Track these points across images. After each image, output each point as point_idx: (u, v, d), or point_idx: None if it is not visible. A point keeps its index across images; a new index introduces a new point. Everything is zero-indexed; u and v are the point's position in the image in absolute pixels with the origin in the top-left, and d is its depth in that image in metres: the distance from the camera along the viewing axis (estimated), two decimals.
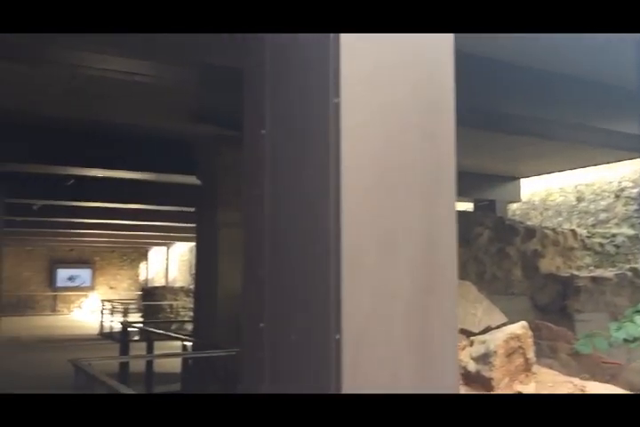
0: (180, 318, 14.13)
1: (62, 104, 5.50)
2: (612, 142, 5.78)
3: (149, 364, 6.01)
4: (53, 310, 23.56)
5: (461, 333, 2.95)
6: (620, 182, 8.77)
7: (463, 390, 2.49)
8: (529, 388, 2.56)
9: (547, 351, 4.19)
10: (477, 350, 2.61)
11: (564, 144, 6.75)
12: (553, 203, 9.69)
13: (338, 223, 1.02)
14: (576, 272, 6.91)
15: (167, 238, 19.89)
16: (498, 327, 3.15)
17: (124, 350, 6.75)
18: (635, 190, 8.55)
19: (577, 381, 2.71)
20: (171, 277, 22.83)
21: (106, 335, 14.28)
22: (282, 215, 1.21)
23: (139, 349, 7.44)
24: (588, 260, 7.72)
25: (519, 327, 2.69)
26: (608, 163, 8.44)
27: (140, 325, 8.28)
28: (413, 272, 1.07)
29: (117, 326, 13.99)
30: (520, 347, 2.61)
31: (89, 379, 3.46)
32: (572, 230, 7.73)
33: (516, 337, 2.62)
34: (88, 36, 2.75)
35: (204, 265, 6.30)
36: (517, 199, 9.66)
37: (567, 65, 4.56)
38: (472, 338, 2.79)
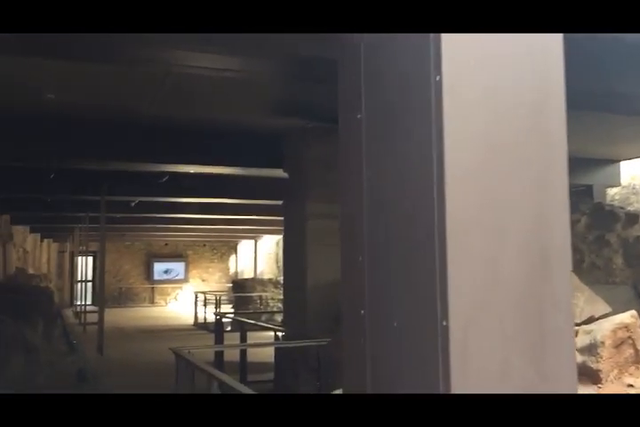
0: (269, 309, 14.46)
1: (157, 103, 5.72)
2: None
3: (243, 353, 6.18)
4: (151, 302, 24.75)
5: None
6: None
7: None
8: None
9: None
10: (582, 340, 2.48)
11: None
12: None
13: (442, 207, 0.99)
14: None
15: (255, 232, 20.37)
16: (601, 318, 2.99)
17: (219, 340, 6.97)
18: None
19: None
20: (259, 269, 23.38)
21: (200, 326, 14.83)
22: (381, 200, 1.19)
23: (232, 339, 7.68)
24: None
25: (628, 317, 2.53)
26: None
27: (233, 315, 8.53)
28: (523, 258, 1.02)
29: (210, 317, 14.51)
30: (629, 337, 2.47)
31: (189, 366, 3.60)
32: None
33: (625, 327, 2.47)
34: (180, 35, 2.83)
35: (292, 256, 6.39)
36: (617, 183, 9.12)
37: None
38: (576, 328, 2.66)
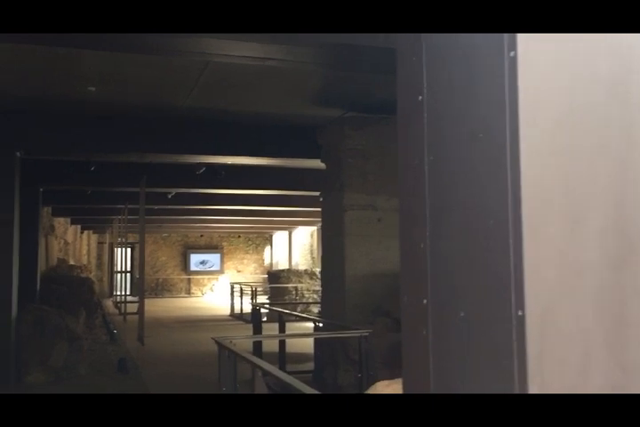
0: (304, 300, 14.51)
1: (195, 94, 5.74)
2: None
3: (282, 343, 6.19)
4: (188, 293, 25.10)
5: None
6: None
7: None
8: None
9: None
10: None
11: None
12: None
13: (516, 190, 0.94)
14: None
15: (290, 223, 20.43)
16: None
17: (257, 331, 7.00)
18: None
19: None
20: (293, 260, 23.47)
21: (236, 316, 14.97)
22: (445, 184, 1.13)
23: (269, 329, 7.71)
24: None
25: None
26: None
27: (269, 306, 8.56)
28: (604, 245, 0.96)
29: (246, 308, 14.63)
30: None
31: (231, 356, 3.61)
32: None
33: None
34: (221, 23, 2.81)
35: (330, 247, 6.36)
36: None
37: None
38: None
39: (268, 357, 6.57)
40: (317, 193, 11.30)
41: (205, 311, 17.41)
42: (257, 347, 6.47)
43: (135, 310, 13.33)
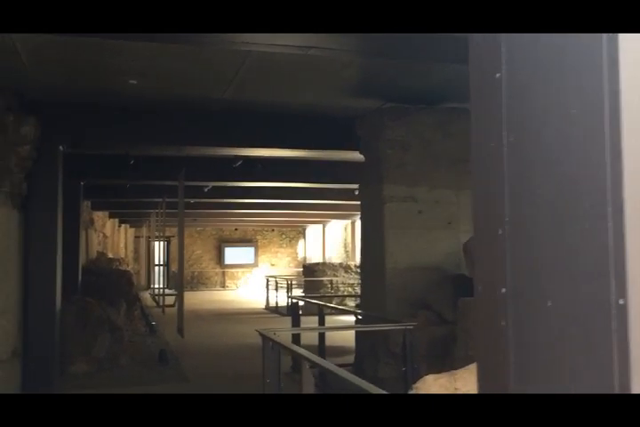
0: (340, 293, 14.48)
1: (233, 87, 5.73)
2: None
3: (322, 336, 6.17)
4: (222, 286, 25.34)
5: None
6: None
7: None
8: None
9: None
10: None
11: None
12: None
13: (617, 169, 0.87)
14: None
15: (323, 217, 20.41)
16: None
17: (295, 323, 6.99)
18: None
19: None
20: (327, 254, 23.45)
21: (271, 309, 15.04)
22: (528, 165, 1.07)
23: (305, 322, 7.68)
24: None
25: None
26: None
27: (308, 298, 8.53)
28: None
29: (281, 301, 14.68)
30: None
31: (275, 348, 3.59)
32: None
33: None
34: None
35: (370, 240, 6.30)
36: None
37: None
38: None
39: (306, 349, 6.56)
40: (352, 186, 11.27)
41: (240, 304, 17.54)
42: (296, 339, 6.46)
43: (172, 303, 13.51)
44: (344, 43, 3.25)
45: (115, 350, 7.23)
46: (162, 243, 16.51)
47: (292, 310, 7.09)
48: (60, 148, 6.35)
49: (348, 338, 8.32)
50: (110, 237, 17.44)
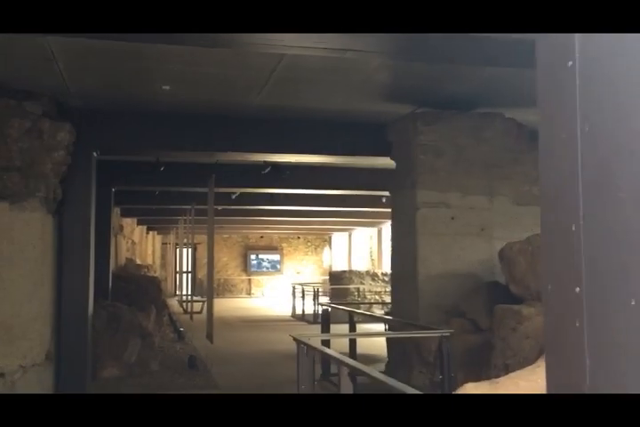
0: (366, 301, 14.36)
1: (264, 92, 5.74)
2: None
3: (353, 343, 6.10)
4: (248, 293, 25.39)
5: None
6: None
7: None
8: None
9: None
10: None
11: None
12: None
13: None
14: None
15: (349, 224, 20.35)
16: None
17: (325, 331, 6.93)
18: None
19: None
20: (352, 262, 23.35)
21: (298, 317, 14.99)
22: (609, 155, 1.01)
23: (335, 330, 7.61)
24: None
25: None
26: None
27: (336, 306, 8.46)
28: None
29: (308, 309, 14.63)
30: None
31: (309, 353, 3.54)
32: None
33: None
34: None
35: (401, 246, 6.23)
36: None
37: None
38: None
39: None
40: (379, 193, 11.22)
41: (267, 312, 17.52)
42: (326, 346, 6.40)
43: (199, 310, 13.54)
44: (382, 45, 3.21)
45: (145, 355, 7.25)
46: (189, 250, 16.59)
47: (323, 317, 7.03)
48: (94, 153, 6.42)
49: (376, 346, 8.23)
50: (138, 243, 17.61)
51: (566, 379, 1.10)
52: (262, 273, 25.72)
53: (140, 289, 10.31)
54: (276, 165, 8.65)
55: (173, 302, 18.00)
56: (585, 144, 1.06)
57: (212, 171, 8.34)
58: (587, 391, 1.05)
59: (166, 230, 21.11)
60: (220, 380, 6.91)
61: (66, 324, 5.97)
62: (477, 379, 4.61)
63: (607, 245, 1.02)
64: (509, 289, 4.71)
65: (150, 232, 20.90)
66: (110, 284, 9.35)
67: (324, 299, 16.35)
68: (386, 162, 6.88)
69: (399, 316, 6.04)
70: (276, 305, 19.48)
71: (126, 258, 14.20)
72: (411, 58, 4.11)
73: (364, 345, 7.74)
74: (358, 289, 15.06)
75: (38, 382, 5.44)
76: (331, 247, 26.39)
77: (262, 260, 25.90)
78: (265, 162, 8.41)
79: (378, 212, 14.05)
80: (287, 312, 16.29)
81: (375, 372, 2.54)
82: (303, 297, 15.34)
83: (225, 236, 24.62)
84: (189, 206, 11.97)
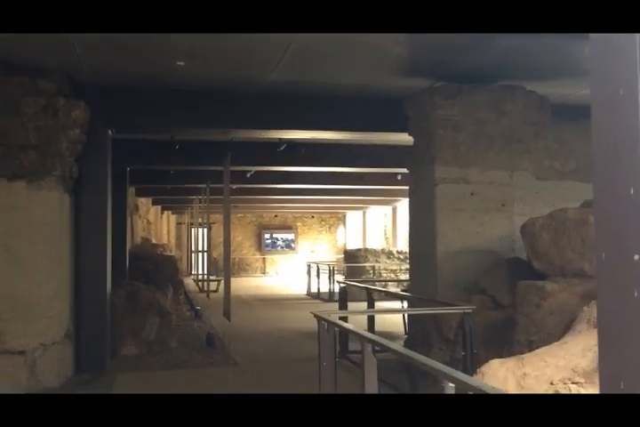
0: (382, 279, 14.34)
1: (280, 68, 5.63)
2: None
3: (371, 320, 6.08)
4: (263, 272, 25.50)
5: None
6: None
7: None
8: None
9: None
10: None
11: None
12: None
13: None
14: None
15: (364, 202, 20.26)
16: None
17: (343, 308, 6.90)
18: None
19: None
20: (367, 240, 23.31)
21: (313, 295, 15.03)
22: None
23: (352, 308, 7.59)
24: None
25: None
26: None
27: (355, 284, 8.42)
28: None
29: (323, 287, 14.65)
30: None
31: (330, 330, 3.51)
32: None
33: None
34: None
35: (419, 223, 6.15)
36: None
37: None
38: None
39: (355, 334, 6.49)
40: (394, 171, 11.10)
41: (282, 290, 17.59)
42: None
43: (215, 289, 13.60)
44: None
45: (163, 333, 7.29)
46: (203, 229, 16.62)
47: (340, 295, 7.01)
48: (109, 132, 6.37)
49: (392, 323, 8.22)
50: (154, 223, 17.67)
51: (622, 347, 1.04)
52: (277, 252, 25.79)
53: (157, 268, 10.36)
54: (291, 143, 8.57)
55: (189, 281, 18.12)
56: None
57: (227, 149, 8.27)
58: None
59: (181, 210, 21.16)
60: (238, 357, 6.94)
61: (85, 302, 6.00)
62: (499, 355, 4.57)
63: None
64: (531, 265, 4.64)
65: (165, 212, 20.97)
66: (127, 263, 9.39)
67: (338, 277, 16.37)
68: (403, 138, 6.76)
69: (417, 293, 5.99)
70: (291, 284, 19.55)
71: (142, 237, 14.26)
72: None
73: (380, 322, 7.73)
74: (373, 267, 15.04)
75: (58, 360, 5.48)
76: (345, 226, 26.36)
77: (276, 239, 25.95)
78: (280, 139, 8.33)
79: (393, 189, 13.95)
80: (302, 291, 16.35)
81: (403, 348, 2.49)
82: (318, 276, 15.35)
83: (239, 215, 24.66)
84: (204, 185, 11.94)
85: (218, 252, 20.34)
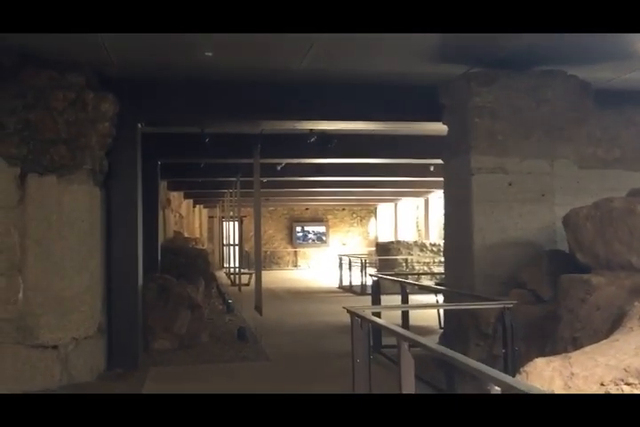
0: (415, 272, 14.15)
1: (310, 57, 5.50)
2: None
3: (405, 315, 5.94)
4: (294, 265, 25.51)
5: None
6: None
7: None
8: None
9: None
10: None
11: None
12: None
13: None
14: None
15: (395, 195, 20.03)
16: None
17: (376, 302, 6.77)
18: None
19: None
20: (399, 233, 23.08)
21: (345, 289, 14.92)
22: None
23: (385, 301, 7.45)
24: None
25: None
26: None
27: (388, 277, 8.26)
28: None
29: (355, 280, 14.51)
30: None
31: (364, 326, 3.39)
32: None
33: None
34: None
35: (455, 215, 5.97)
36: None
37: None
38: None
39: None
40: (427, 162, 10.87)
41: (313, 283, 17.53)
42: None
43: (247, 282, 13.59)
44: None
45: (195, 327, 7.26)
46: (235, 223, 16.65)
47: (373, 289, 6.88)
48: (139, 125, 6.33)
49: (427, 317, 8.05)
50: (186, 217, 17.77)
51: None
52: (308, 245, 25.76)
53: (189, 262, 10.38)
54: (322, 134, 8.43)
55: (221, 275, 18.20)
56: None
57: (257, 141, 8.18)
58: None
59: (212, 204, 21.26)
60: (269, 352, 6.87)
61: (116, 296, 5.99)
62: (541, 353, 4.38)
63: None
64: (574, 257, 4.42)
65: (197, 206, 21.10)
66: (159, 257, 9.41)
67: (370, 270, 16.23)
68: (437, 127, 6.57)
69: (453, 287, 5.82)
70: (323, 277, 19.47)
71: (174, 231, 14.33)
72: None
73: (413, 316, 7.57)
74: (406, 260, 14.84)
75: (91, 355, 5.48)
76: (376, 218, 26.16)
77: (308, 232, 25.91)
78: (311, 131, 8.20)
79: (426, 181, 13.71)
80: (334, 284, 16.25)
81: (445, 349, 2.35)
82: (350, 268, 15.23)
83: (270, 208, 24.67)
84: (234, 179, 11.90)
85: (249, 245, 20.38)
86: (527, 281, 5.04)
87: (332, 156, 9.64)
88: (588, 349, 2.97)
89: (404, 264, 14.82)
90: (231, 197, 14.56)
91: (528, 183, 5.56)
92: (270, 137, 8.74)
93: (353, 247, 24.81)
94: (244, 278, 13.76)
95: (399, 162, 11.24)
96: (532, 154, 5.58)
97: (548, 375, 2.81)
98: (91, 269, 5.54)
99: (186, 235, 15.87)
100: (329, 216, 26.14)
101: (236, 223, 16.06)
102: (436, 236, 19.51)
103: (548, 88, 5.53)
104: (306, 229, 25.85)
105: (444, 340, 5.76)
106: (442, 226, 8.00)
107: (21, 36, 4.36)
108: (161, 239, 10.34)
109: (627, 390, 2.53)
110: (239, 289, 12.01)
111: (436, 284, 8.22)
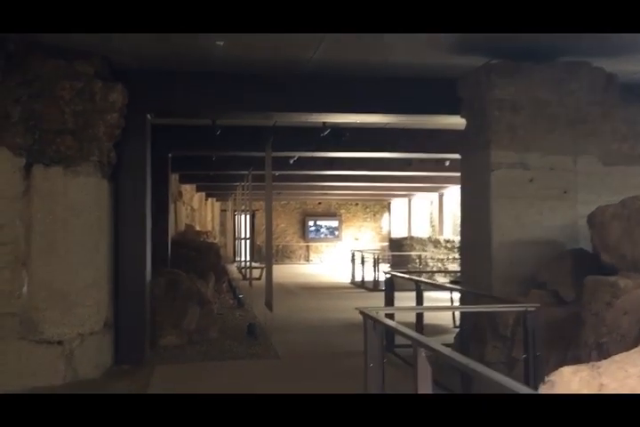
0: (428, 269, 13.95)
1: (322, 49, 5.32)
2: None
3: (420, 314, 5.76)
4: (306, 260, 25.37)
5: None
6: None
7: None
8: None
9: None
10: None
11: None
12: None
13: None
14: None
15: (409, 190, 19.79)
16: None
17: (390, 300, 6.60)
18: None
19: None
20: (412, 228, 22.85)
21: (357, 284, 14.74)
22: None
23: (398, 298, 7.28)
24: None
25: None
26: None
27: (402, 275, 8.08)
28: None
29: (368, 276, 14.33)
30: None
31: (377, 327, 3.22)
32: None
33: None
34: None
35: (472, 211, 5.76)
36: None
37: None
38: None
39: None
40: (443, 157, 10.66)
41: (325, 278, 17.38)
42: (389, 317, 6.07)
43: (259, 276, 13.46)
44: None
45: (204, 323, 7.13)
46: (247, 216, 16.53)
47: (387, 287, 6.69)
48: (148, 116, 6.19)
49: (441, 316, 7.87)
50: (198, 210, 17.67)
51: None
52: (320, 239, 25.60)
53: (200, 256, 10.25)
54: (335, 128, 8.25)
55: (233, 268, 18.10)
56: None
57: (270, 134, 8.01)
58: None
59: (225, 197, 21.16)
60: (279, 349, 6.72)
61: (124, 291, 5.86)
62: (562, 357, 4.17)
63: None
64: (599, 258, 4.21)
65: (209, 199, 21.01)
66: (169, 251, 9.29)
67: (383, 266, 16.03)
68: (454, 121, 6.37)
69: (470, 286, 5.63)
70: (335, 272, 19.31)
71: (186, 224, 14.23)
72: None
73: (427, 314, 7.40)
74: (420, 256, 14.63)
75: (97, 351, 5.36)
76: (390, 213, 25.93)
77: (320, 226, 25.75)
78: (324, 124, 8.03)
79: (440, 176, 13.48)
80: (346, 279, 16.09)
81: (469, 360, 2.16)
82: (363, 264, 15.05)
83: (283, 202, 24.54)
84: (247, 172, 11.75)
85: (262, 239, 20.26)
86: (548, 281, 4.84)
87: (345, 149, 9.45)
88: (617, 357, 2.77)
89: (417, 260, 14.61)
90: (243, 190, 14.41)
91: (550, 180, 5.35)
92: (283, 130, 8.58)
93: (365, 242, 24.63)
94: (256, 273, 13.63)
95: (414, 156, 11.04)
96: (554, 149, 5.36)
97: (575, 387, 2.62)
98: (97, 263, 5.42)
99: (197, 228, 15.77)
100: (342, 211, 25.96)
101: (248, 217, 15.93)
102: (450, 232, 19.27)
103: (572, 80, 5.30)
104: (318, 223, 25.69)
105: (460, 340, 5.57)
106: (456, 222, 7.81)
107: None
108: (172, 232, 10.22)
109: None
110: (250, 284, 11.87)
111: (452, 282, 8.02)
